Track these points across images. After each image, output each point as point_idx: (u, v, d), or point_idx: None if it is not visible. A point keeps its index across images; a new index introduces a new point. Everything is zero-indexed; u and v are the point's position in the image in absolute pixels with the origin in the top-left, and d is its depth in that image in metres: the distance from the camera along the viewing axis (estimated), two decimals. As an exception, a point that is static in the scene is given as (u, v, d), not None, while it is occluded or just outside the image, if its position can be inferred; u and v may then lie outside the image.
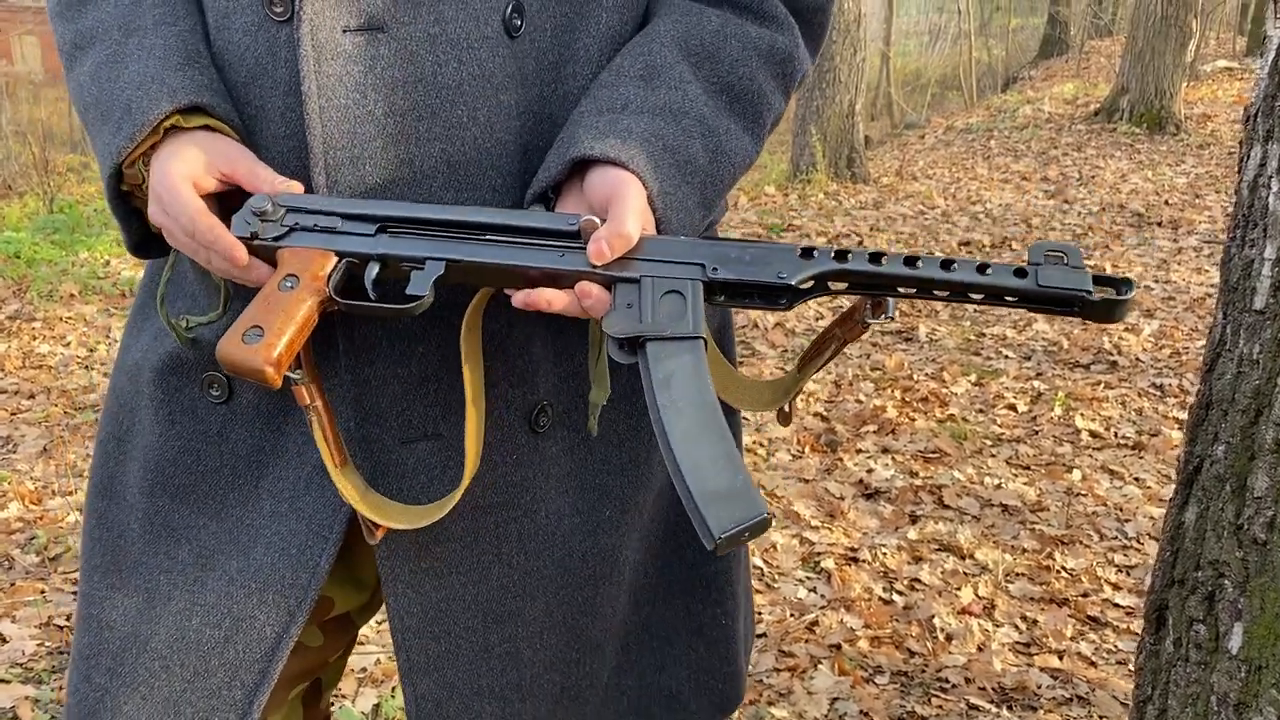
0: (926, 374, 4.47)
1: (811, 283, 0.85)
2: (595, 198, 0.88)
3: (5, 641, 2.50)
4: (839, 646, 2.52)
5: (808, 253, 0.85)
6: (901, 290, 0.84)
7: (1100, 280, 0.82)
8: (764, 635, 2.56)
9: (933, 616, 2.64)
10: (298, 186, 0.89)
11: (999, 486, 3.42)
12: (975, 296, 0.83)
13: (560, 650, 1.08)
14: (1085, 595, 2.79)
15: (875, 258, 0.83)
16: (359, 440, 0.95)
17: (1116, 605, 2.75)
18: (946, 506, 3.31)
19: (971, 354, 4.74)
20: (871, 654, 2.50)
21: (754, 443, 3.74)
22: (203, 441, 0.99)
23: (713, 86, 0.97)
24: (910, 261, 0.82)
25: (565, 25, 0.96)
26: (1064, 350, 4.72)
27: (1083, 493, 3.39)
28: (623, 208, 0.85)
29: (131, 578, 0.99)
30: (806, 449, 3.73)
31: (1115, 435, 3.86)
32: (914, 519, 3.22)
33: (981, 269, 0.81)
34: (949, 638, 2.57)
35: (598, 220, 0.84)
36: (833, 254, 0.84)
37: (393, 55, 0.89)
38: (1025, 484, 3.45)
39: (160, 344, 0.99)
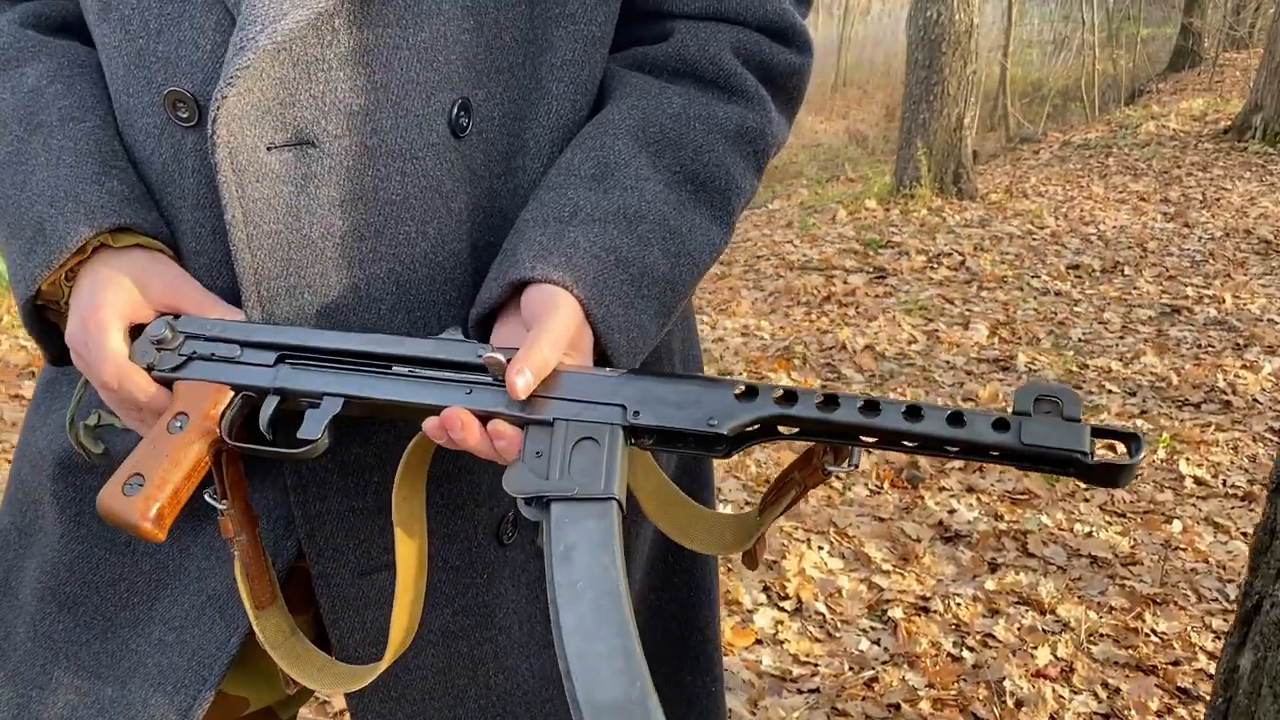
0: (1021, 407, 4.25)
1: (755, 426, 0.74)
2: (527, 315, 0.79)
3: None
4: (898, 707, 2.38)
5: (749, 393, 0.73)
6: (864, 439, 0.72)
7: (1104, 433, 0.70)
8: (816, 691, 2.43)
9: (1003, 679, 2.47)
10: (239, 314, 0.83)
11: (1089, 535, 3.21)
12: (951, 449, 0.71)
13: None
14: (1176, 663, 2.58)
15: (828, 402, 0.72)
16: (316, 577, 0.89)
17: (1211, 677, 2.54)
18: (1030, 555, 3.11)
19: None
20: (932, 717, 2.35)
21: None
22: (107, 550, 0.92)
23: (675, 177, 0.88)
24: (869, 408, 0.71)
25: (514, 115, 0.87)
26: (1173, 387, 4.44)
27: (1182, 546, 3.15)
28: (540, 329, 0.76)
29: (6, 688, 0.93)
30: (886, 484, 3.57)
31: (1224, 484, 3.60)
32: (993, 567, 3.04)
33: (954, 420, 0.70)
34: (1019, 704, 2.40)
35: (501, 358, 0.75)
36: (776, 396, 0.73)
37: (327, 172, 0.80)
38: (1119, 533, 3.23)
39: (65, 435, 0.92)
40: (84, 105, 0.86)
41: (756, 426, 0.73)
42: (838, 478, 3.59)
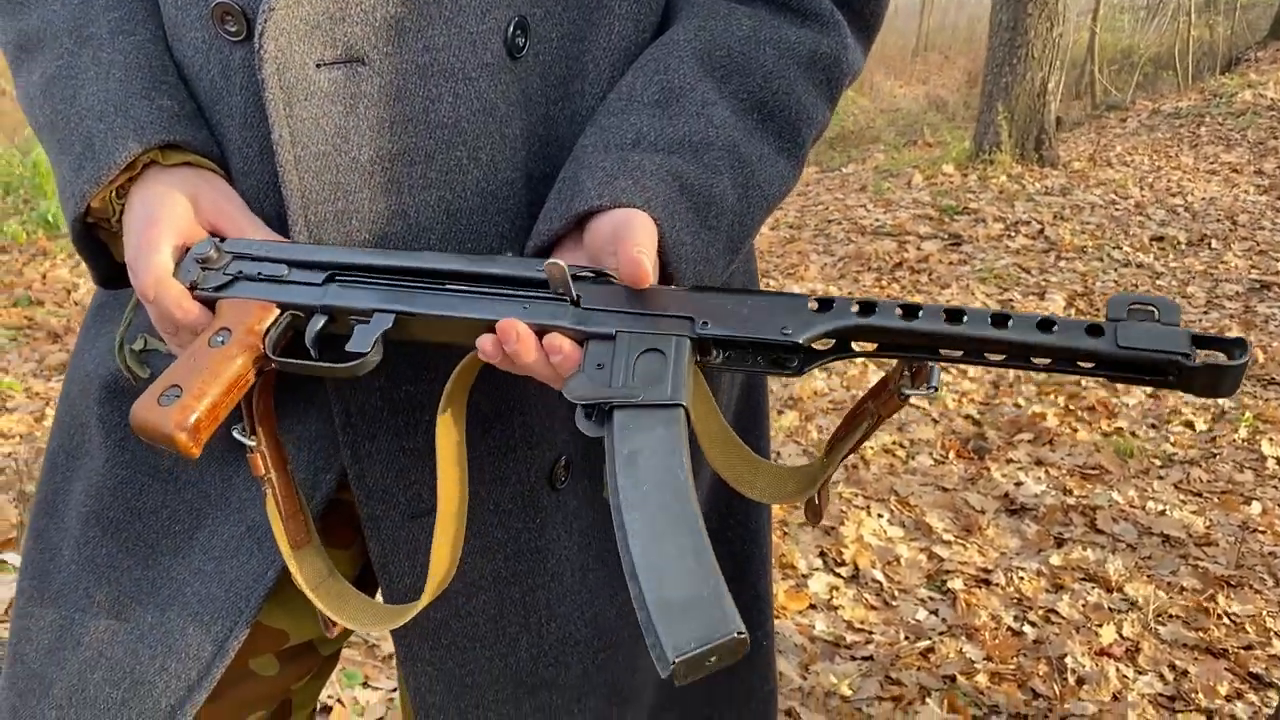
0: (1097, 380, 4.12)
1: (829, 341, 0.70)
2: (596, 243, 0.75)
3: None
4: (953, 678, 2.32)
5: (824, 305, 0.70)
6: (944, 352, 0.68)
7: (1204, 341, 0.64)
8: (870, 658, 2.39)
9: (1065, 655, 2.40)
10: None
11: (1162, 513, 3.11)
12: (1039, 361, 0.66)
13: (601, 709, 1.00)
14: (1249, 648, 2.48)
15: (909, 312, 0.68)
16: (365, 519, 0.87)
17: (1285, 663, 2.44)
18: (1099, 531, 3.02)
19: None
20: (989, 691, 2.29)
21: (894, 443, 3.53)
22: (150, 476, 0.90)
23: (742, 105, 0.82)
24: (953, 316, 0.67)
25: (573, 36, 0.83)
26: (1259, 364, 4.27)
27: (1260, 529, 3.03)
28: (633, 240, 0.72)
29: (50, 609, 0.92)
30: (951, 454, 3.49)
31: (1308, 466, 3.45)
32: (1060, 542, 2.95)
33: (1045, 325, 0.65)
34: (1080, 681, 2.33)
35: (563, 264, 0.70)
36: (855, 307, 0.69)
37: (377, 92, 0.77)
38: (1194, 513, 3.12)
39: (113, 358, 0.90)
40: (134, 18, 0.85)
41: (832, 342, 0.70)
42: (900, 445, 3.52)
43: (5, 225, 5.87)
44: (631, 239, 0.72)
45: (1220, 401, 3.93)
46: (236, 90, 0.80)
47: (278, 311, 0.77)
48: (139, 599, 0.90)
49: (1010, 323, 0.66)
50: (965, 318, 0.66)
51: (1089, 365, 0.66)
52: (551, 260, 0.71)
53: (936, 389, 0.72)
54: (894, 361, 0.74)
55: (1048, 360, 0.66)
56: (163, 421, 0.73)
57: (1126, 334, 0.64)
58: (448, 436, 0.78)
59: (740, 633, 0.60)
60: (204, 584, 0.88)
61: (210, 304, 0.79)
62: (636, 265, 0.70)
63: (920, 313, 0.67)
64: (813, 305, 0.70)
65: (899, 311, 0.68)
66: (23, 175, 6.76)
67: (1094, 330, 0.65)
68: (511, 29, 0.79)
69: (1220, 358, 0.63)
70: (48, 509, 0.96)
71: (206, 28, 0.80)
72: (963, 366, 4.24)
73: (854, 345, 0.70)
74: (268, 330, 0.77)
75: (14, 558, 2.56)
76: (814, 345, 0.70)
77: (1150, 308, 0.65)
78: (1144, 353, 0.63)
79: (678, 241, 0.75)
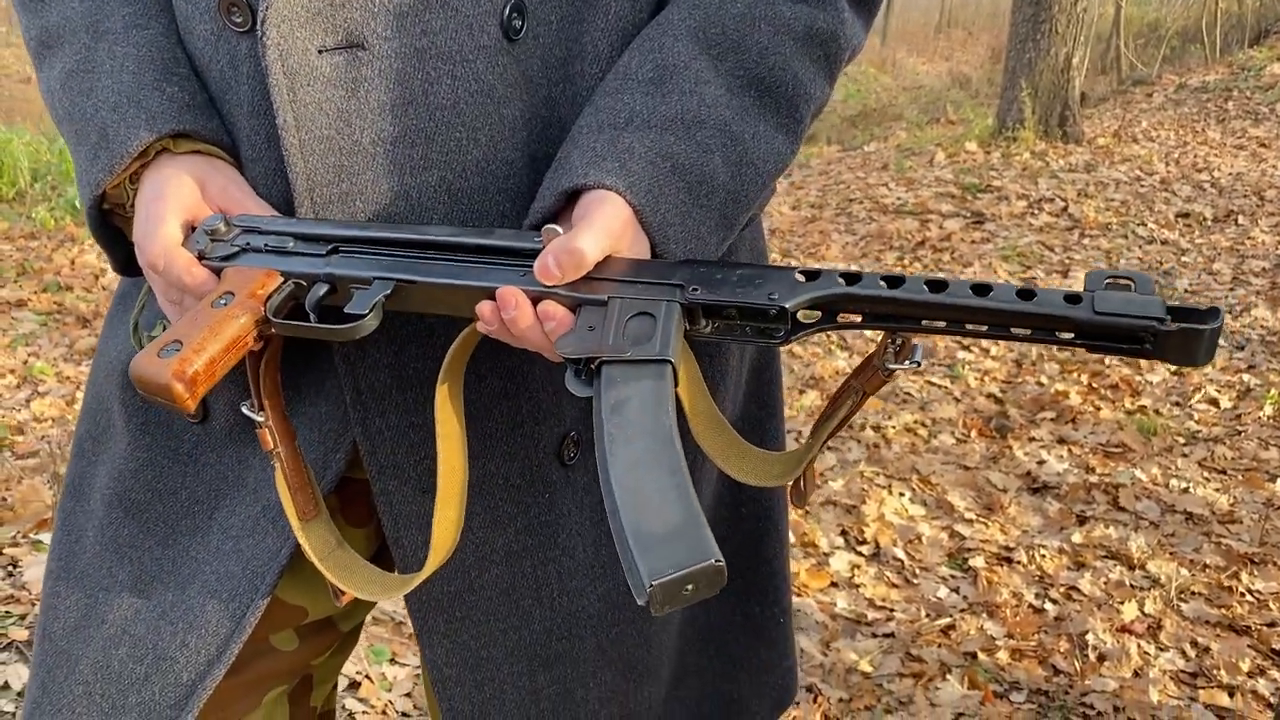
0: (1121, 358, 4.10)
1: (816, 312, 0.72)
2: (576, 220, 0.77)
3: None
4: (974, 655, 2.34)
5: (811, 275, 0.72)
6: (927, 323, 0.70)
7: (1180, 312, 0.66)
8: (891, 635, 2.40)
9: (1086, 632, 2.41)
10: None
11: (1185, 491, 3.10)
12: (1020, 331, 0.68)
13: (616, 683, 1.02)
14: (1272, 625, 2.49)
15: (892, 282, 0.70)
16: (378, 494, 0.89)
17: (1308, 640, 2.44)
18: (1121, 509, 3.02)
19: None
20: (1010, 667, 2.30)
21: (916, 422, 3.53)
22: (170, 459, 0.93)
23: (737, 82, 0.84)
24: (935, 286, 0.69)
25: (572, 17, 0.84)
26: (1285, 341, 4.24)
27: (1285, 506, 3.03)
28: (583, 224, 0.74)
29: (75, 589, 0.95)
30: (973, 433, 3.49)
31: (1334, 443, 3.44)
32: (1082, 520, 2.96)
33: (1024, 295, 0.67)
34: (1101, 658, 2.34)
35: (560, 230, 0.73)
36: (840, 276, 0.71)
37: (377, 76, 0.79)
38: (1217, 490, 3.11)
39: (132, 344, 0.93)
40: (147, 12, 0.87)
41: (819, 314, 0.72)
42: (923, 424, 3.52)
43: (34, 212, 5.94)
44: (579, 223, 0.74)
45: (1245, 378, 3.91)
46: (244, 80, 0.82)
47: (281, 279, 0.80)
48: (160, 578, 0.92)
49: (991, 292, 0.68)
50: (948, 287, 0.68)
51: (1068, 334, 0.67)
52: (549, 226, 0.73)
53: (920, 364, 0.74)
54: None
55: (1028, 330, 0.68)
56: (160, 372, 0.74)
57: (1104, 301, 0.66)
58: (446, 409, 0.80)
59: (718, 560, 0.61)
60: (222, 562, 0.90)
61: (217, 274, 0.81)
62: (542, 260, 0.73)
63: (904, 281, 0.69)
64: (800, 275, 0.72)
65: (883, 281, 0.70)
66: (50, 162, 6.83)
67: (1072, 299, 0.67)
68: (508, 12, 0.80)
69: (1195, 324, 0.65)
70: (74, 492, 0.99)
71: (214, 20, 0.83)
72: (985, 345, 4.24)
73: (839, 317, 0.72)
74: (270, 295, 0.79)
75: (48, 538, 2.61)
76: (801, 316, 0.72)
77: (1127, 281, 0.67)
78: (1120, 318, 0.65)
79: (664, 221, 0.77)
